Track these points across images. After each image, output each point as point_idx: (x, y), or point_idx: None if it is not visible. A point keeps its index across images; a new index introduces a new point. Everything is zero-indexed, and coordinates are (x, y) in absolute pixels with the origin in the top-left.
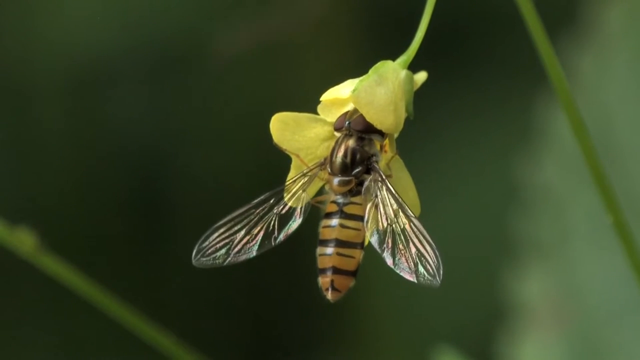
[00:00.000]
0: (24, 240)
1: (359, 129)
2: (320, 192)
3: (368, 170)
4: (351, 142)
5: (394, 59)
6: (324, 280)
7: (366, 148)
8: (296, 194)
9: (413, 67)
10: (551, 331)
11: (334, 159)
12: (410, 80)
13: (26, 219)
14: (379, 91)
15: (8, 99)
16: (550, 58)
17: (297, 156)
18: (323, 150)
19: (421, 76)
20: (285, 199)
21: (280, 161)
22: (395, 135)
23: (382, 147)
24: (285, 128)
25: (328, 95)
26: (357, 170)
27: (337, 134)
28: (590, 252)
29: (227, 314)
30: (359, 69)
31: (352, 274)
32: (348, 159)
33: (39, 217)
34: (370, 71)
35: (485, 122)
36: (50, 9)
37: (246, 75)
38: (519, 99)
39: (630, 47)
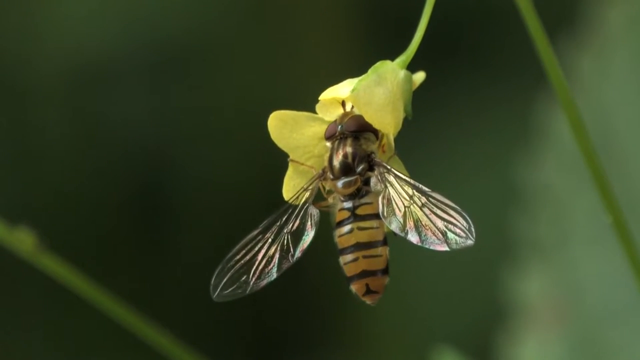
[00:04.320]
0: (23, 240)
1: (352, 129)
2: (320, 195)
3: (371, 167)
4: (348, 143)
5: (393, 59)
6: (357, 287)
7: (364, 146)
8: (303, 209)
9: (412, 67)
10: (551, 331)
11: (334, 163)
12: (409, 80)
13: (26, 219)
14: (377, 91)
15: (8, 99)
16: (550, 58)
17: (292, 160)
18: (321, 149)
19: (419, 76)
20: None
21: (281, 161)
22: (394, 135)
23: (379, 145)
24: (283, 126)
25: (327, 95)
26: (360, 167)
27: (329, 144)
28: (589, 251)
29: (227, 314)
30: (358, 69)
31: (384, 271)
32: (349, 159)
33: (39, 217)
34: (369, 71)
35: (485, 122)
36: (50, 10)
37: (246, 75)
38: (518, 99)
39: (630, 47)
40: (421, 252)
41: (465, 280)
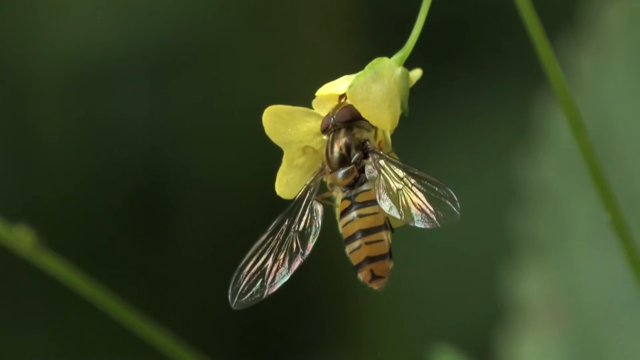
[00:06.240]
0: (22, 239)
1: (345, 120)
2: (323, 188)
3: (366, 155)
4: (342, 135)
5: (390, 56)
6: (363, 274)
7: (357, 135)
8: (307, 206)
9: (411, 66)
10: (550, 330)
11: (330, 155)
12: (406, 78)
13: (26, 218)
14: (374, 87)
15: (8, 99)
16: (549, 57)
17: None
18: (315, 145)
19: (416, 73)
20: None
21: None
22: (391, 132)
23: (375, 135)
24: (278, 121)
25: (324, 90)
26: (355, 156)
27: (325, 137)
28: (588, 250)
29: (227, 313)
30: (355, 65)
31: (388, 256)
32: (344, 150)
33: (39, 217)
34: (367, 67)
35: (484, 121)
36: (52, 10)
37: (246, 75)
38: (518, 98)
39: (629, 46)
40: (421, 252)
41: (464, 279)
